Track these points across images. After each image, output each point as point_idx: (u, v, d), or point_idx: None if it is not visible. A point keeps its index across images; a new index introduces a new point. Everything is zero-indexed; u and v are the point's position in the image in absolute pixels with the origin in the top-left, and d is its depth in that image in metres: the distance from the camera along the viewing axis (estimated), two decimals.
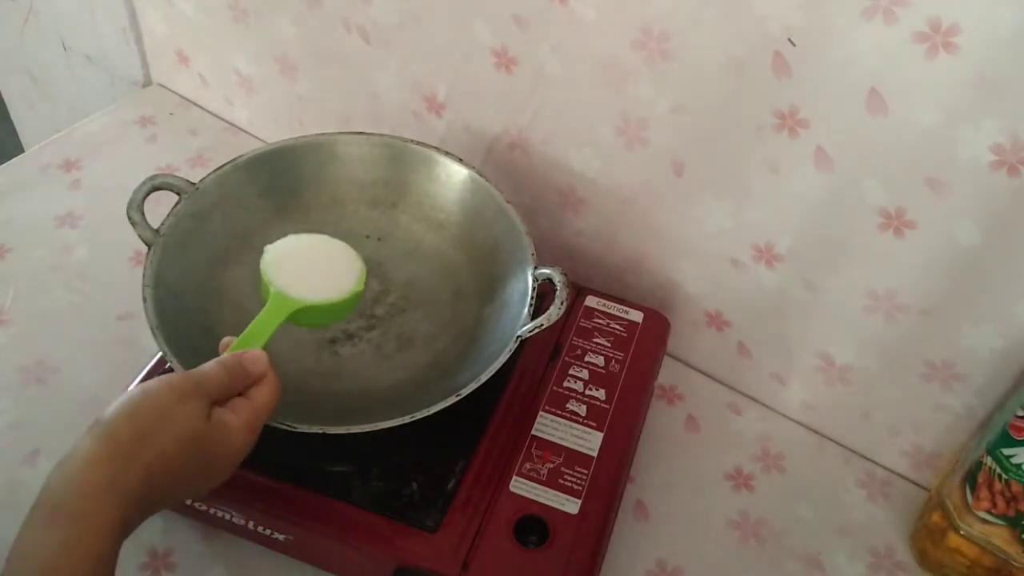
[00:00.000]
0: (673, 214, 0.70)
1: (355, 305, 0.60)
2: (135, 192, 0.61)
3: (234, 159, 0.67)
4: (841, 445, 0.74)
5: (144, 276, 0.58)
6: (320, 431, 0.53)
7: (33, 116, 1.29)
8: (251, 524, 0.58)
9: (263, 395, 0.49)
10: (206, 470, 0.46)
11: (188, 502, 0.59)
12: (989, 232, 0.56)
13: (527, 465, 0.60)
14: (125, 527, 0.41)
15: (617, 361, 0.67)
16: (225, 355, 0.49)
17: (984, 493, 0.60)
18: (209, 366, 0.48)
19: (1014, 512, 0.59)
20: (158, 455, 0.43)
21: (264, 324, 0.53)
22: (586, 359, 0.67)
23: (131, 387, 0.45)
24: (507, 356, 0.57)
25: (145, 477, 0.42)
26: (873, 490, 0.71)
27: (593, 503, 0.58)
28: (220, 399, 0.47)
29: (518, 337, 0.58)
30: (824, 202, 0.62)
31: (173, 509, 0.61)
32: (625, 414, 0.64)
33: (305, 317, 0.56)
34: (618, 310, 0.71)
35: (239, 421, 0.47)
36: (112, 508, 0.41)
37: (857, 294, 0.65)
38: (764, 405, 0.76)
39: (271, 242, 0.58)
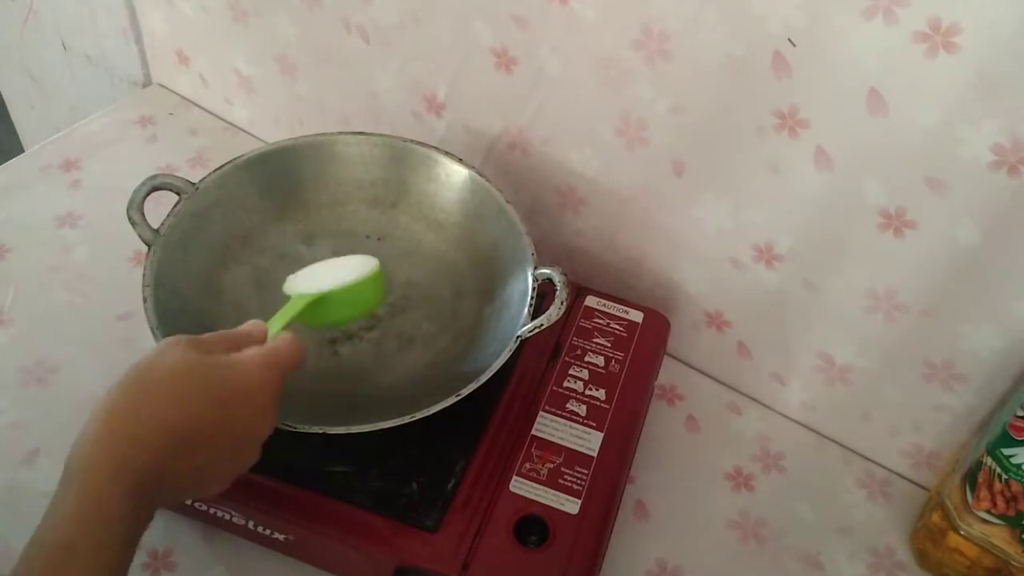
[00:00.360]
0: (673, 214, 0.70)
1: (373, 298, 0.59)
2: (135, 192, 0.61)
3: (234, 159, 0.67)
4: (841, 445, 0.74)
5: (144, 276, 0.58)
6: (320, 431, 0.53)
7: (33, 116, 1.29)
8: (251, 524, 0.58)
9: (280, 340, 0.49)
10: (227, 421, 0.45)
11: (188, 501, 0.59)
12: (989, 232, 0.56)
13: (527, 465, 0.60)
14: (136, 492, 0.41)
15: (617, 361, 0.67)
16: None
17: (984, 493, 0.60)
18: (208, 334, 0.48)
19: (1014, 512, 0.59)
20: (155, 396, 0.43)
21: (280, 316, 0.53)
22: (586, 359, 0.67)
23: None
24: (507, 356, 0.57)
25: (146, 423, 0.42)
26: (873, 490, 0.71)
27: (593, 503, 0.58)
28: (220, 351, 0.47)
29: (518, 337, 0.58)
30: (824, 202, 0.62)
31: (173, 509, 0.61)
32: (625, 414, 0.64)
33: (323, 314, 0.56)
34: (618, 310, 0.70)
35: (250, 354, 0.46)
36: (110, 459, 0.41)
37: (857, 294, 0.65)
38: (764, 405, 0.76)
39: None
